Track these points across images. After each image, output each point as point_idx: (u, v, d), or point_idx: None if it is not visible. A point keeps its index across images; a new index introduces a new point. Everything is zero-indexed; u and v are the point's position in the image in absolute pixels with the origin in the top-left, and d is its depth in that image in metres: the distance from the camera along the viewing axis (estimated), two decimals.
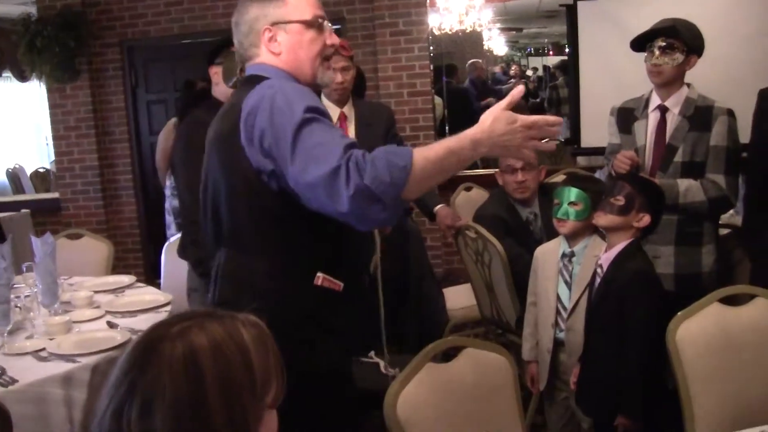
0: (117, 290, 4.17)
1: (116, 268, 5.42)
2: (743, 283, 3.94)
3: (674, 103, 3.77)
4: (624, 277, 3.04)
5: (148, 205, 8.11)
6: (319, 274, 2.35)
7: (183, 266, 3.97)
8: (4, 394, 2.75)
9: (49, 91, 8.11)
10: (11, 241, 3.55)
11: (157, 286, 4.68)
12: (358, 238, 2.46)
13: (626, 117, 3.92)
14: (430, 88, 7.59)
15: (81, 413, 2.93)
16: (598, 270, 3.18)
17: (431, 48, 7.76)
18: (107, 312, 3.73)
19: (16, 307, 3.46)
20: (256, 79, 2.39)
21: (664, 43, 3.68)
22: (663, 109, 3.81)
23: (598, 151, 5.24)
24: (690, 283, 3.77)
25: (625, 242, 3.12)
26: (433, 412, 2.39)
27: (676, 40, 3.68)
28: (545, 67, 14.78)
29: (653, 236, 3.53)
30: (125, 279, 4.40)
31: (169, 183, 5.70)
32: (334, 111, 4.20)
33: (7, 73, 10.60)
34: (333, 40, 2.51)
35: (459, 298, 5.12)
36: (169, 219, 5.70)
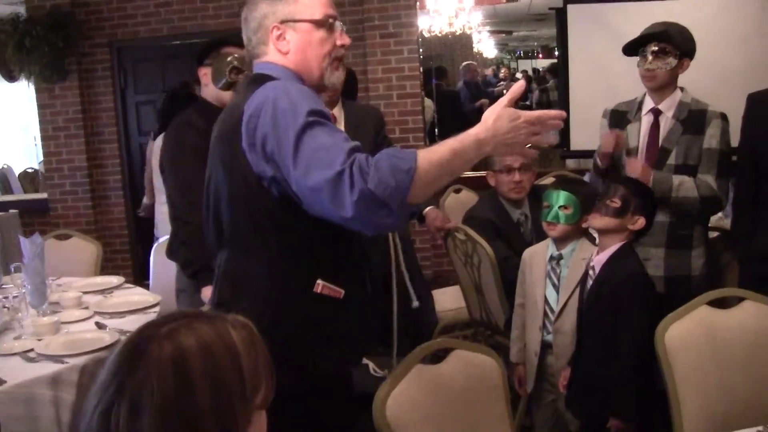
0: (105, 291, 4.17)
1: (105, 269, 5.41)
2: (732, 285, 3.95)
3: (668, 107, 3.78)
4: (617, 279, 3.04)
5: (137, 206, 8.09)
6: (319, 282, 2.30)
7: (172, 267, 3.96)
8: None
9: (38, 91, 8.10)
10: None
11: (146, 287, 4.67)
12: (361, 245, 2.43)
13: (619, 119, 3.93)
14: (419, 90, 7.59)
15: (69, 414, 2.92)
16: (590, 272, 3.19)
17: (421, 50, 7.76)
18: (96, 313, 3.72)
19: (5, 307, 3.46)
20: (261, 79, 2.35)
21: (656, 48, 3.69)
22: (656, 112, 3.82)
23: (587, 154, 5.26)
24: (679, 285, 3.78)
25: (618, 244, 3.13)
26: (423, 413, 2.39)
27: (668, 45, 3.69)
28: (534, 70, 14.81)
29: (644, 239, 3.54)
30: (114, 280, 4.40)
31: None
32: None
33: None
34: (344, 40, 2.47)
35: (448, 300, 5.12)
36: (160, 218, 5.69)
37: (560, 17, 7.28)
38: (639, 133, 3.86)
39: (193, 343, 1.27)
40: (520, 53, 16.14)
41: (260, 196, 2.26)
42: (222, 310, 1.94)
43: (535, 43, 15.52)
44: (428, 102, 8.75)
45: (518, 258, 3.87)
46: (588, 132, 3.93)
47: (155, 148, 5.96)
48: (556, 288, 3.50)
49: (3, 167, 11.52)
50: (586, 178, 5.34)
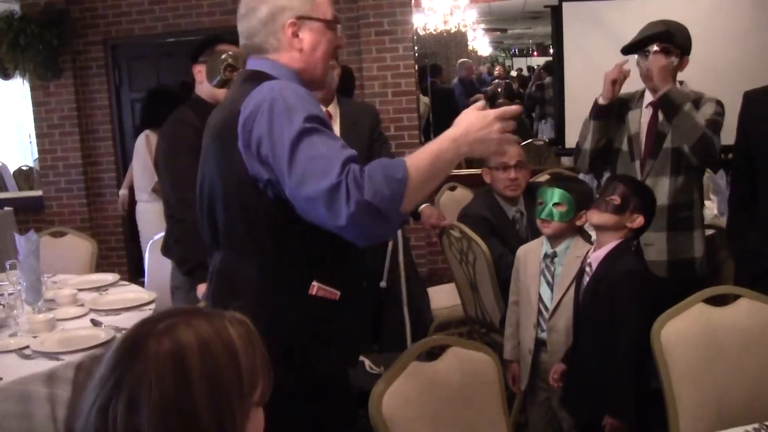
0: (101, 288, 4.17)
1: (100, 266, 5.40)
2: (729, 282, 3.97)
3: None
4: (615, 275, 3.04)
5: (132, 203, 8.08)
6: (315, 283, 2.29)
7: (167, 265, 3.96)
8: None
9: (33, 88, 8.09)
10: None
11: (141, 284, 4.67)
12: (356, 246, 2.35)
13: (620, 106, 3.93)
14: (414, 87, 7.59)
15: (64, 411, 2.92)
16: (587, 268, 3.18)
17: (416, 48, 7.76)
18: (91, 310, 3.72)
19: (0, 304, 3.45)
20: (257, 76, 2.31)
21: (658, 48, 3.70)
22: (656, 106, 3.83)
23: None
24: (683, 268, 3.81)
25: (616, 242, 3.13)
26: (418, 410, 2.39)
27: (670, 45, 3.70)
28: (530, 68, 14.83)
29: None
30: (109, 277, 4.39)
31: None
32: None
33: None
34: (342, 42, 2.49)
35: (443, 298, 5.13)
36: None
37: (555, 15, 7.30)
38: (639, 121, 3.88)
39: (191, 339, 1.27)
40: (514, 51, 16.17)
41: (255, 197, 2.24)
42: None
43: (530, 41, 15.56)
44: (424, 99, 8.76)
45: (513, 256, 3.88)
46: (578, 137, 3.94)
47: (138, 146, 6.00)
48: (551, 286, 3.50)
49: None
50: (582, 175, 5.35)
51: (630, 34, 3.88)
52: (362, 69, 7.39)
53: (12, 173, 11.24)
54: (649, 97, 3.87)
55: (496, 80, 13.93)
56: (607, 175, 4.21)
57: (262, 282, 2.30)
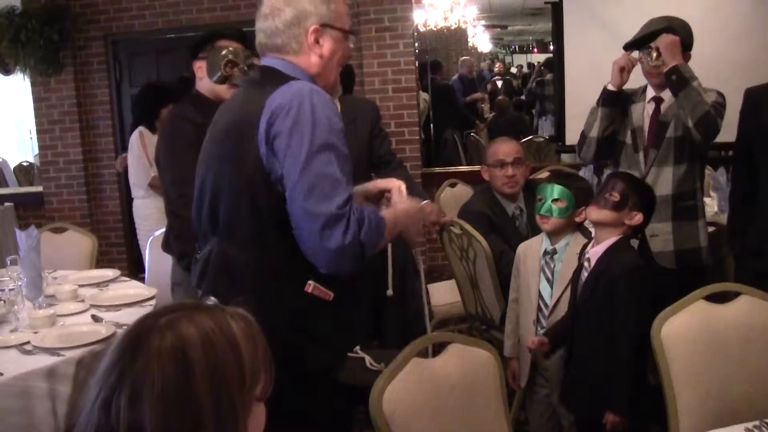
0: (101, 284, 4.17)
1: (100, 262, 5.40)
2: (731, 278, 3.97)
3: (670, 95, 3.77)
4: (614, 271, 3.03)
5: (132, 199, 8.09)
6: (311, 282, 2.33)
7: (167, 261, 3.96)
8: None
9: (33, 84, 8.10)
10: None
11: (141, 280, 4.67)
12: None
13: (623, 100, 3.93)
14: (415, 84, 7.59)
15: (65, 406, 2.92)
16: (586, 264, 3.18)
17: (416, 44, 7.76)
18: (92, 306, 3.72)
19: (1, 300, 3.46)
20: (276, 74, 2.38)
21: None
22: (658, 101, 3.85)
23: None
24: (691, 258, 3.81)
25: (615, 238, 3.13)
26: (419, 407, 2.39)
27: None
28: (530, 65, 14.82)
29: None
30: (109, 273, 4.39)
31: None
32: None
33: None
34: (349, 52, 2.59)
35: (443, 294, 5.13)
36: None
37: (556, 11, 7.31)
38: (642, 114, 3.88)
39: (193, 334, 1.27)
40: (515, 47, 16.16)
41: (266, 191, 2.29)
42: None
43: (531, 38, 15.55)
44: (423, 95, 8.76)
45: (514, 252, 3.88)
46: (583, 126, 3.93)
47: (132, 142, 6.00)
48: (550, 282, 3.50)
49: None
50: (582, 172, 5.35)
51: (630, 31, 3.89)
52: (363, 65, 7.39)
53: (12, 169, 11.24)
54: (651, 92, 3.87)
55: (496, 77, 13.94)
56: (608, 171, 4.21)
57: (261, 273, 2.34)
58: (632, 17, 4.03)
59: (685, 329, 2.78)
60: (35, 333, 3.26)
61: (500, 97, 11.72)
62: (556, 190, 3.50)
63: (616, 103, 3.84)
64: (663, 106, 3.83)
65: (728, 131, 3.72)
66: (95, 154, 8.23)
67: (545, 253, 3.57)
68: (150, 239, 4.94)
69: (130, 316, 3.42)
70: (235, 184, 2.35)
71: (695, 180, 3.84)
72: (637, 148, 3.85)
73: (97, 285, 4.15)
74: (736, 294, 2.91)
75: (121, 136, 8.20)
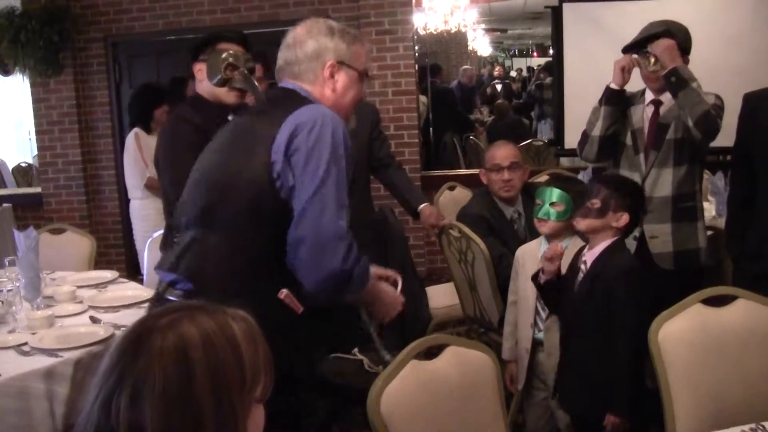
0: (100, 285, 4.17)
1: (98, 263, 5.40)
2: (728, 282, 3.98)
3: (669, 98, 3.79)
4: (610, 273, 3.04)
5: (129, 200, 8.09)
6: (284, 290, 2.41)
7: None
8: None
9: (33, 85, 8.10)
10: None
11: (140, 281, 4.67)
12: None
13: (625, 99, 3.94)
14: (414, 87, 7.60)
15: (63, 407, 2.92)
16: (582, 266, 3.18)
17: (416, 47, 7.77)
18: (90, 307, 3.72)
19: None
20: (296, 95, 2.53)
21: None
22: (657, 103, 3.87)
23: None
24: (690, 259, 3.83)
25: (609, 241, 3.13)
26: (417, 409, 2.40)
27: None
28: (529, 68, 14.85)
29: (649, 216, 3.69)
30: (108, 274, 4.40)
31: None
32: None
33: None
34: (364, 94, 2.75)
35: (442, 297, 5.13)
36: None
37: (555, 16, 7.31)
38: (642, 116, 3.90)
39: (195, 334, 1.28)
40: (514, 51, 16.18)
41: (270, 197, 2.39)
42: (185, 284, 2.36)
43: (530, 42, 15.57)
44: (422, 98, 8.77)
45: (512, 256, 3.89)
46: (582, 130, 3.94)
47: (128, 143, 6.02)
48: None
49: None
50: (581, 176, 5.36)
51: (629, 35, 3.90)
52: None
53: (11, 170, 11.24)
54: (650, 96, 3.89)
55: (495, 80, 13.95)
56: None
57: (243, 269, 2.41)
58: (631, 22, 4.04)
59: (683, 332, 2.79)
60: (33, 334, 3.26)
61: (499, 101, 11.73)
62: (554, 193, 3.51)
63: (618, 102, 3.85)
64: (662, 109, 3.84)
65: (726, 136, 3.73)
66: (94, 156, 8.22)
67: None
68: (149, 241, 4.94)
69: (129, 318, 3.42)
70: (240, 183, 2.43)
71: (695, 182, 3.86)
72: (637, 150, 3.87)
73: (96, 286, 4.15)
74: (733, 297, 2.91)
75: (120, 138, 8.18)
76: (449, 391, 2.51)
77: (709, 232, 4.09)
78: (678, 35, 3.74)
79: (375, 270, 2.72)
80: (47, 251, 4.40)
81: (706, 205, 4.70)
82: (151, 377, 1.23)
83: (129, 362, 1.25)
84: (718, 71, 5.73)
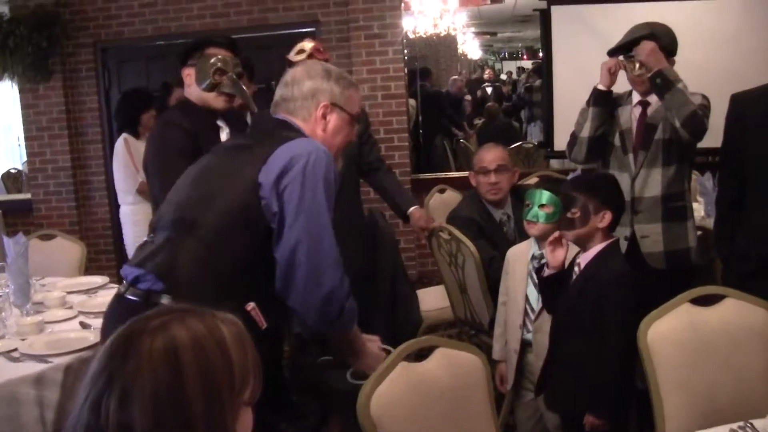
0: (90, 291, 4.17)
1: (89, 269, 5.39)
2: (718, 281, 3.99)
3: (656, 99, 3.81)
4: (603, 276, 3.05)
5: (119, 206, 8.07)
6: (251, 303, 2.46)
7: None
8: None
9: (22, 91, 8.06)
10: None
11: None
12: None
13: (612, 100, 3.96)
14: (404, 90, 7.60)
15: (53, 414, 2.92)
16: (576, 268, 3.19)
17: (405, 51, 7.77)
18: (80, 312, 3.72)
19: None
20: (291, 127, 2.66)
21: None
22: (645, 104, 3.90)
23: None
24: (680, 258, 3.86)
25: (603, 244, 3.13)
26: (407, 411, 2.40)
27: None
28: (519, 68, 14.86)
29: (640, 216, 3.74)
30: (98, 280, 4.39)
31: None
32: None
33: None
34: (354, 137, 2.88)
35: (432, 300, 5.13)
36: None
37: (544, 18, 7.32)
38: (630, 116, 3.92)
39: (185, 337, 1.29)
40: (504, 54, 16.20)
41: (252, 213, 2.48)
42: (146, 284, 2.45)
43: (520, 45, 15.58)
44: (411, 102, 8.78)
45: (502, 257, 3.90)
46: (571, 132, 3.96)
47: (117, 149, 6.01)
48: (537, 287, 3.51)
49: None
50: (570, 178, 5.36)
51: (618, 37, 3.92)
52: (352, 72, 7.39)
53: (0, 176, 11.22)
54: (637, 97, 3.92)
55: (485, 83, 13.97)
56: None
57: (218, 277, 2.46)
58: (619, 24, 4.05)
59: (671, 332, 2.80)
60: (23, 340, 3.25)
61: (489, 104, 11.74)
62: (543, 196, 3.52)
63: (606, 103, 3.88)
64: (650, 110, 3.87)
65: (715, 137, 3.74)
66: (84, 162, 8.20)
67: (533, 257, 3.58)
68: (138, 246, 4.92)
69: None
70: (226, 195, 2.51)
71: (684, 181, 3.89)
72: (626, 150, 3.88)
73: (86, 292, 4.15)
74: (722, 297, 2.93)
75: (110, 144, 8.15)
76: (439, 392, 2.51)
77: (699, 233, 4.10)
78: (662, 37, 3.76)
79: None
80: (37, 257, 4.39)
81: (695, 205, 4.71)
82: (141, 379, 1.23)
83: (119, 364, 1.26)
84: (706, 72, 5.75)
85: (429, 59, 12.10)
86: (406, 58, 7.74)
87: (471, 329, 4.64)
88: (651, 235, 3.83)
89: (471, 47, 14.25)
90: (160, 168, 3.61)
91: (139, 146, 5.68)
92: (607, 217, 3.11)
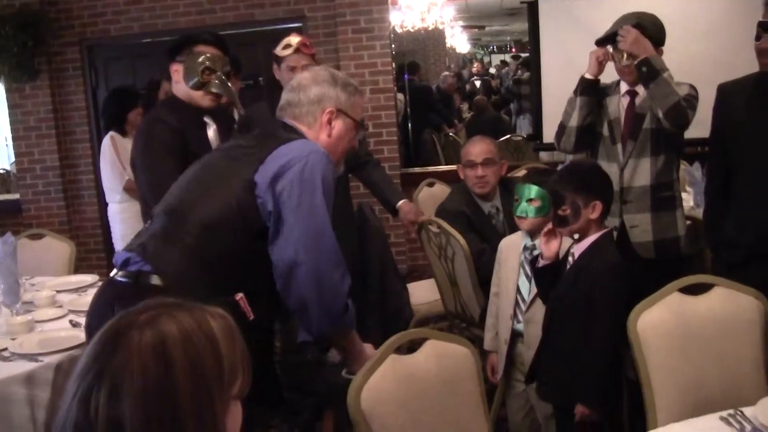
0: (79, 289, 4.17)
1: (79, 268, 5.38)
2: (707, 270, 4.00)
3: (644, 89, 3.82)
4: (596, 266, 3.06)
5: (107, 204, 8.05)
6: (241, 294, 2.48)
7: None
8: None
9: (8, 91, 8.02)
10: None
11: None
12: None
13: (600, 90, 3.97)
14: (392, 85, 7.59)
15: (44, 413, 2.92)
16: (570, 258, 3.20)
17: (393, 45, 7.77)
18: (70, 311, 3.72)
19: None
20: (291, 130, 2.71)
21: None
22: (633, 94, 3.91)
23: None
24: (670, 247, 3.87)
25: (596, 235, 3.14)
26: (397, 403, 2.40)
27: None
28: (502, 61, 14.83)
29: (629, 206, 3.75)
30: (88, 278, 4.39)
31: None
32: None
33: None
34: (356, 143, 2.95)
35: (423, 293, 5.14)
36: None
37: (532, 11, 7.32)
38: (618, 106, 3.93)
39: (174, 331, 1.28)
40: (493, 48, 16.18)
41: (247, 208, 2.52)
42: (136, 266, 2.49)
43: (508, 38, 15.56)
44: (399, 96, 8.77)
45: (491, 249, 3.90)
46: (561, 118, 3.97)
47: (104, 147, 6.00)
48: (529, 278, 3.52)
49: None
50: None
51: (606, 29, 3.92)
52: (340, 67, 7.37)
53: None
54: (625, 87, 3.93)
55: (474, 77, 13.97)
56: None
57: (204, 262, 2.49)
58: (607, 16, 4.04)
59: (661, 321, 2.81)
60: (13, 339, 3.25)
61: (478, 97, 11.74)
62: (531, 190, 3.53)
63: (593, 92, 3.89)
64: (638, 99, 3.88)
65: (703, 127, 3.75)
66: (72, 161, 8.18)
67: (525, 248, 3.59)
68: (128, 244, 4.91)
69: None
70: (225, 188, 2.56)
71: (672, 170, 3.90)
72: (614, 140, 3.89)
73: (76, 290, 4.15)
74: (711, 285, 2.94)
75: (98, 142, 8.09)
76: (430, 385, 2.52)
77: (688, 222, 4.11)
78: (650, 27, 3.77)
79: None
80: (26, 257, 4.39)
81: (684, 195, 4.73)
82: (130, 373, 1.23)
83: (108, 358, 1.25)
84: (694, 63, 5.77)
85: (417, 53, 12.08)
86: (393, 52, 7.73)
87: (461, 322, 4.65)
88: (640, 224, 3.84)
89: (459, 41, 14.23)
90: (148, 165, 3.61)
91: (126, 144, 5.66)
92: (598, 207, 3.11)
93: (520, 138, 9.76)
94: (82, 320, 3.53)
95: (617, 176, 3.81)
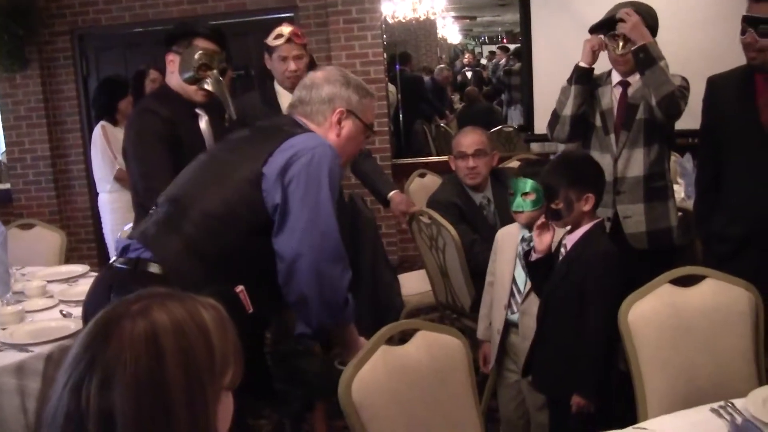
0: (70, 279, 4.16)
1: (70, 258, 5.37)
2: (698, 262, 4.01)
3: (636, 79, 3.83)
4: (588, 256, 3.06)
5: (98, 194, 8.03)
6: (241, 287, 2.48)
7: None
8: None
9: None
10: None
11: None
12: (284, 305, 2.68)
13: (593, 80, 3.97)
14: (383, 75, 7.59)
15: (34, 403, 2.91)
16: (562, 249, 3.20)
17: (384, 36, 7.76)
18: (61, 301, 3.71)
19: None
20: (299, 126, 2.71)
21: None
22: (625, 84, 3.92)
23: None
24: (663, 238, 3.89)
25: (588, 225, 3.14)
26: (388, 394, 2.40)
27: None
28: (491, 52, 14.80)
29: (622, 196, 3.77)
30: (78, 268, 4.38)
31: None
32: (287, 99, 4.19)
33: None
34: (363, 146, 2.95)
35: (414, 284, 5.14)
36: None
37: (523, 2, 7.31)
38: (610, 96, 3.94)
39: (165, 320, 1.28)
40: (484, 39, 16.15)
41: (253, 201, 2.54)
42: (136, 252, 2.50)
43: (500, 29, 15.53)
44: (391, 87, 8.77)
45: (485, 243, 3.90)
46: (555, 106, 3.96)
47: (95, 137, 5.99)
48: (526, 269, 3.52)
49: None
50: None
51: (597, 20, 3.92)
52: (331, 57, 7.37)
53: None
54: (617, 77, 3.94)
55: (466, 68, 13.95)
56: None
57: (206, 252, 2.51)
58: (599, 7, 4.04)
59: (652, 313, 2.81)
60: (3, 329, 3.25)
61: (469, 88, 11.72)
62: (525, 184, 3.53)
63: (587, 80, 3.90)
64: (630, 90, 3.88)
65: (694, 118, 3.76)
66: (63, 150, 8.16)
67: (522, 239, 3.59)
68: (119, 234, 4.91)
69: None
70: (230, 179, 2.58)
71: (664, 161, 3.92)
72: (607, 131, 3.90)
73: (66, 281, 4.14)
74: (702, 277, 2.94)
75: (89, 132, 8.06)
76: (421, 375, 2.52)
77: (679, 213, 4.13)
78: (644, 16, 3.77)
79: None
80: (17, 247, 4.38)
81: (675, 187, 4.74)
82: (122, 363, 1.23)
83: (99, 348, 1.25)
84: (684, 54, 5.75)
85: (408, 44, 12.06)
86: (385, 43, 7.73)
87: (452, 313, 4.65)
88: (633, 215, 3.85)
89: (450, 32, 14.20)
90: (140, 156, 3.59)
91: (117, 133, 5.66)
92: (591, 199, 3.12)
93: (511, 129, 9.75)
94: (73, 310, 3.55)
95: (611, 167, 3.82)
